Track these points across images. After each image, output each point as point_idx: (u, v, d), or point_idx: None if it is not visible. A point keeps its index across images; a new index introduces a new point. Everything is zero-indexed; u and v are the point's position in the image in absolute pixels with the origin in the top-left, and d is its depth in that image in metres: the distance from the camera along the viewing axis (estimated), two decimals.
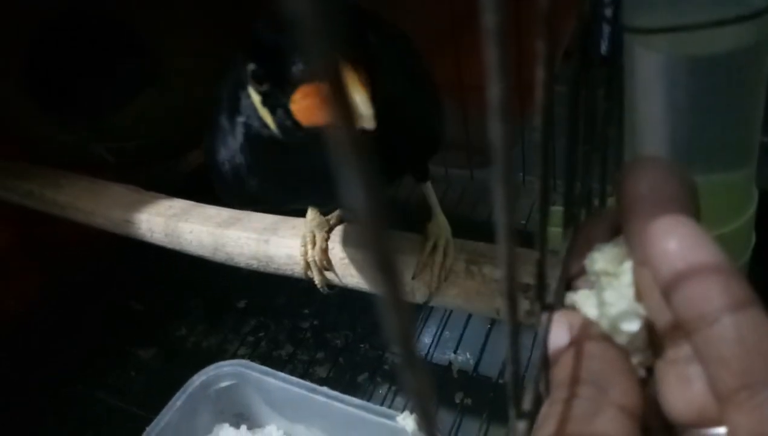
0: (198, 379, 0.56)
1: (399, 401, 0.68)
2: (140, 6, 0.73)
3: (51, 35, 0.73)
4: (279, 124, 0.32)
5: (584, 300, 0.20)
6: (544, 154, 0.17)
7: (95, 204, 0.60)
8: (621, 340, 0.19)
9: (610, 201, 0.45)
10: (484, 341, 0.70)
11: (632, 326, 0.18)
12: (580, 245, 0.21)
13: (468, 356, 0.71)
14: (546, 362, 0.20)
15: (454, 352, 0.71)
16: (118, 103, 0.77)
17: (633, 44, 0.32)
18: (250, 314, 0.81)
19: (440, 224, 0.47)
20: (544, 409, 0.18)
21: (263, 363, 0.74)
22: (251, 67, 0.32)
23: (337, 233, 0.50)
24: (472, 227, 0.47)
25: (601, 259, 0.20)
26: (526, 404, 0.19)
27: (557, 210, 0.43)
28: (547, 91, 0.16)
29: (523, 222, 0.78)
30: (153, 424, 0.53)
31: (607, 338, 0.19)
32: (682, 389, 0.18)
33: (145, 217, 0.57)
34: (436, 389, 0.67)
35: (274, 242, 0.51)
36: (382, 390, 0.70)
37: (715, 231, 0.38)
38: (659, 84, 0.32)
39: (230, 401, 0.58)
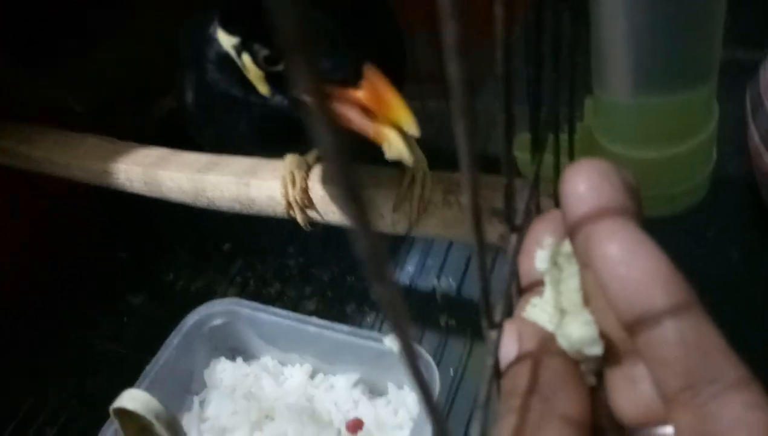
0: (192, 318, 0.58)
1: (386, 327, 0.71)
2: None
3: None
4: (273, 93, 0.37)
5: (535, 309, 0.21)
6: (507, 88, 0.18)
7: (71, 157, 0.60)
8: (575, 354, 0.19)
9: (579, 127, 0.46)
10: (465, 266, 0.73)
11: (594, 349, 0.18)
12: (528, 245, 0.22)
13: (450, 281, 0.74)
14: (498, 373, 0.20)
15: (437, 279, 0.74)
16: (82, 50, 0.76)
17: None
18: (236, 256, 0.82)
19: (417, 156, 0.48)
20: (498, 423, 0.19)
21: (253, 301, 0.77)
22: (264, 52, 0.35)
23: (316, 171, 0.50)
24: (449, 157, 0.48)
25: (548, 261, 0.20)
26: (497, 316, 0.21)
27: (525, 136, 0.44)
28: (505, 27, 0.16)
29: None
30: (151, 363, 0.55)
31: (556, 346, 0.19)
32: (629, 390, 0.18)
33: (123, 166, 0.57)
34: (414, 309, 0.70)
35: (254, 184, 0.52)
36: (369, 318, 0.72)
37: (682, 147, 0.40)
38: (621, 10, 0.32)
39: (224, 336, 0.60)
